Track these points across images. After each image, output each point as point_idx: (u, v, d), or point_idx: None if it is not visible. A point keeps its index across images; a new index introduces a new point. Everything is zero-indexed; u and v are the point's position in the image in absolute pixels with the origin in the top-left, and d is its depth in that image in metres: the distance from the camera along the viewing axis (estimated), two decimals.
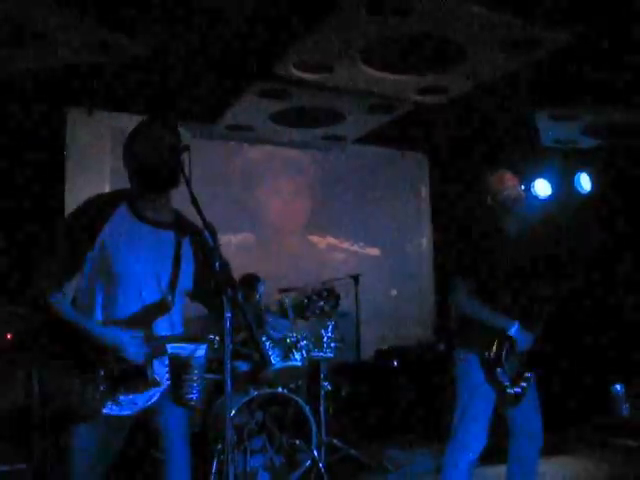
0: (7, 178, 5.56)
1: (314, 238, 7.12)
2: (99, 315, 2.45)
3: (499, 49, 4.23)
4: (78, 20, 3.99)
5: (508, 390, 3.51)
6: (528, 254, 3.70)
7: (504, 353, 3.50)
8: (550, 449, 5.46)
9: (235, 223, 6.64)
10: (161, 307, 2.47)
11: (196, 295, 2.71)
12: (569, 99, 5.40)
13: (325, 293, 2.52)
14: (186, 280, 2.58)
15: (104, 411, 2.38)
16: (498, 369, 3.48)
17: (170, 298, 2.48)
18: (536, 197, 6.56)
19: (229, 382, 2.10)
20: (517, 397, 3.52)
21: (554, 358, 6.34)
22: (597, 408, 6.06)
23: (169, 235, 2.54)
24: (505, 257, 3.60)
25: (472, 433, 3.55)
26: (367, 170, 7.52)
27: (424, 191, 7.89)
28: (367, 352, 6.90)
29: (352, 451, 5.38)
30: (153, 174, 2.46)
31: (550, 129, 5.86)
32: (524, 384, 3.53)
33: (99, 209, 2.49)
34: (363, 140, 6.91)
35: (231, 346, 2.12)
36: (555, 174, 6.52)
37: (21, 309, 4.56)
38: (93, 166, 6.02)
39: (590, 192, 6.39)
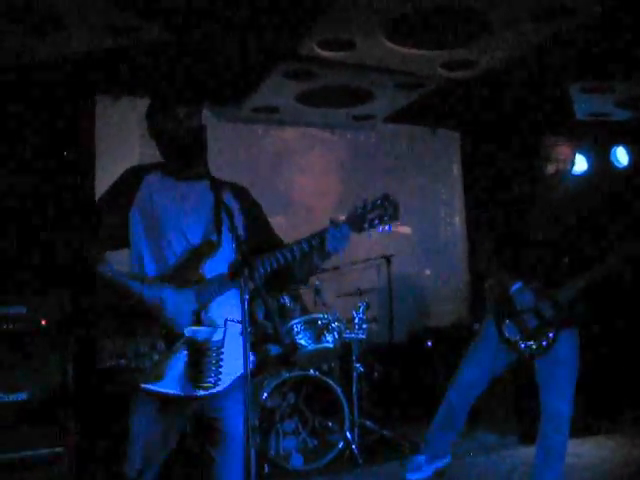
0: (39, 166, 5.62)
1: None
2: (151, 271, 2.46)
3: (527, 20, 4.09)
4: (95, 5, 3.98)
5: (519, 344, 3.67)
6: (561, 221, 3.76)
7: (514, 309, 3.67)
8: (586, 430, 5.44)
9: (265, 206, 6.57)
10: (207, 248, 2.45)
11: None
12: (602, 71, 5.24)
13: (379, 201, 2.45)
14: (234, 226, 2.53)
15: (175, 392, 2.37)
16: (507, 321, 3.68)
17: (216, 238, 2.46)
18: (573, 172, 6.44)
19: (247, 364, 2.07)
20: (532, 351, 3.66)
21: (596, 339, 6.24)
22: (634, 388, 5.92)
23: (205, 185, 2.53)
24: (536, 221, 3.77)
25: (461, 371, 3.89)
26: (398, 148, 7.42)
27: (456, 168, 7.76)
28: (401, 333, 6.85)
29: (385, 432, 5.37)
30: (172, 152, 2.53)
31: (583, 102, 5.68)
32: (543, 341, 3.63)
33: (135, 173, 2.61)
34: (393, 118, 6.80)
35: (250, 328, 2.11)
36: (591, 148, 6.38)
37: (55, 298, 4.65)
38: (122, 151, 6.03)
39: (628, 166, 6.22)
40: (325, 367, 5.39)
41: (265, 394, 4.75)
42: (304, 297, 6.01)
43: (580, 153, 6.39)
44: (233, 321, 2.32)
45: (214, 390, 2.43)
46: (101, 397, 4.66)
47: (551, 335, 3.60)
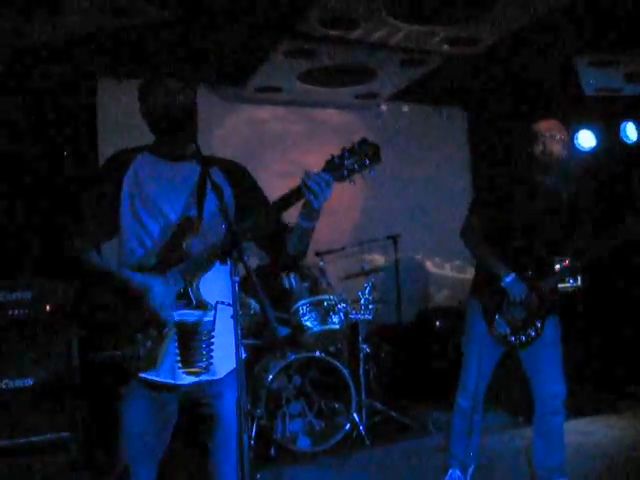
0: (41, 149, 5.60)
1: (352, 199, 6.98)
2: (139, 254, 2.43)
3: None
4: None
5: (509, 338, 3.56)
6: (553, 208, 3.61)
7: (504, 301, 3.54)
8: (598, 408, 5.39)
9: (270, 186, 6.51)
10: (187, 224, 2.41)
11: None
12: (610, 44, 5.11)
13: (357, 146, 2.32)
14: (224, 205, 2.41)
15: (166, 380, 2.34)
16: (496, 317, 3.56)
17: (195, 214, 2.42)
18: (579, 149, 6.33)
19: (240, 349, 2.02)
20: (521, 343, 3.56)
21: (601, 316, 6.17)
22: None
23: (191, 164, 2.49)
24: (526, 207, 3.57)
25: (465, 377, 3.68)
26: (404, 128, 7.33)
27: (463, 147, 7.67)
28: (410, 313, 6.81)
29: (393, 413, 5.34)
30: (163, 127, 2.47)
31: (591, 77, 5.54)
32: (532, 332, 3.54)
33: (122, 157, 2.56)
34: (398, 97, 6.73)
35: (240, 310, 2.06)
36: (599, 124, 6.26)
37: (60, 284, 4.63)
38: (124, 134, 5.97)
39: (637, 142, 6.10)
40: (334, 349, 5.35)
41: (270, 376, 4.73)
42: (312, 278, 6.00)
43: (588, 129, 6.29)
44: (224, 303, 2.25)
45: (211, 377, 2.39)
46: (107, 382, 4.64)
47: (538, 324, 3.54)
